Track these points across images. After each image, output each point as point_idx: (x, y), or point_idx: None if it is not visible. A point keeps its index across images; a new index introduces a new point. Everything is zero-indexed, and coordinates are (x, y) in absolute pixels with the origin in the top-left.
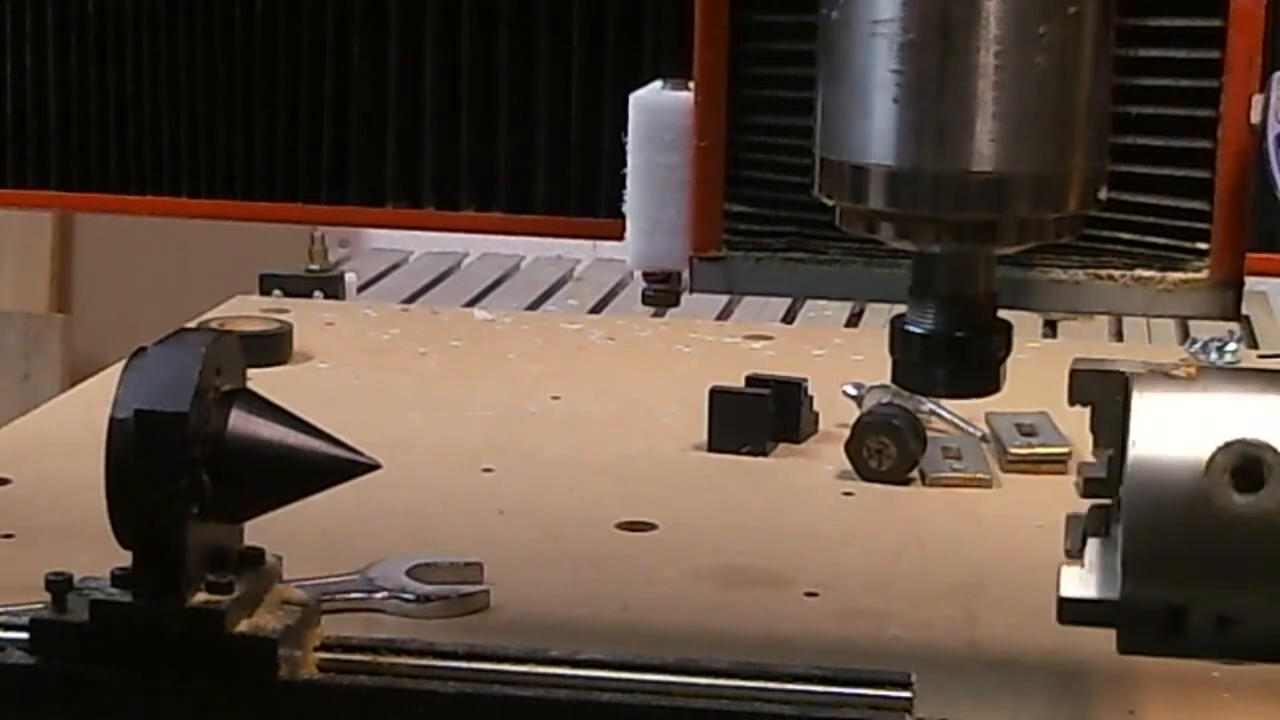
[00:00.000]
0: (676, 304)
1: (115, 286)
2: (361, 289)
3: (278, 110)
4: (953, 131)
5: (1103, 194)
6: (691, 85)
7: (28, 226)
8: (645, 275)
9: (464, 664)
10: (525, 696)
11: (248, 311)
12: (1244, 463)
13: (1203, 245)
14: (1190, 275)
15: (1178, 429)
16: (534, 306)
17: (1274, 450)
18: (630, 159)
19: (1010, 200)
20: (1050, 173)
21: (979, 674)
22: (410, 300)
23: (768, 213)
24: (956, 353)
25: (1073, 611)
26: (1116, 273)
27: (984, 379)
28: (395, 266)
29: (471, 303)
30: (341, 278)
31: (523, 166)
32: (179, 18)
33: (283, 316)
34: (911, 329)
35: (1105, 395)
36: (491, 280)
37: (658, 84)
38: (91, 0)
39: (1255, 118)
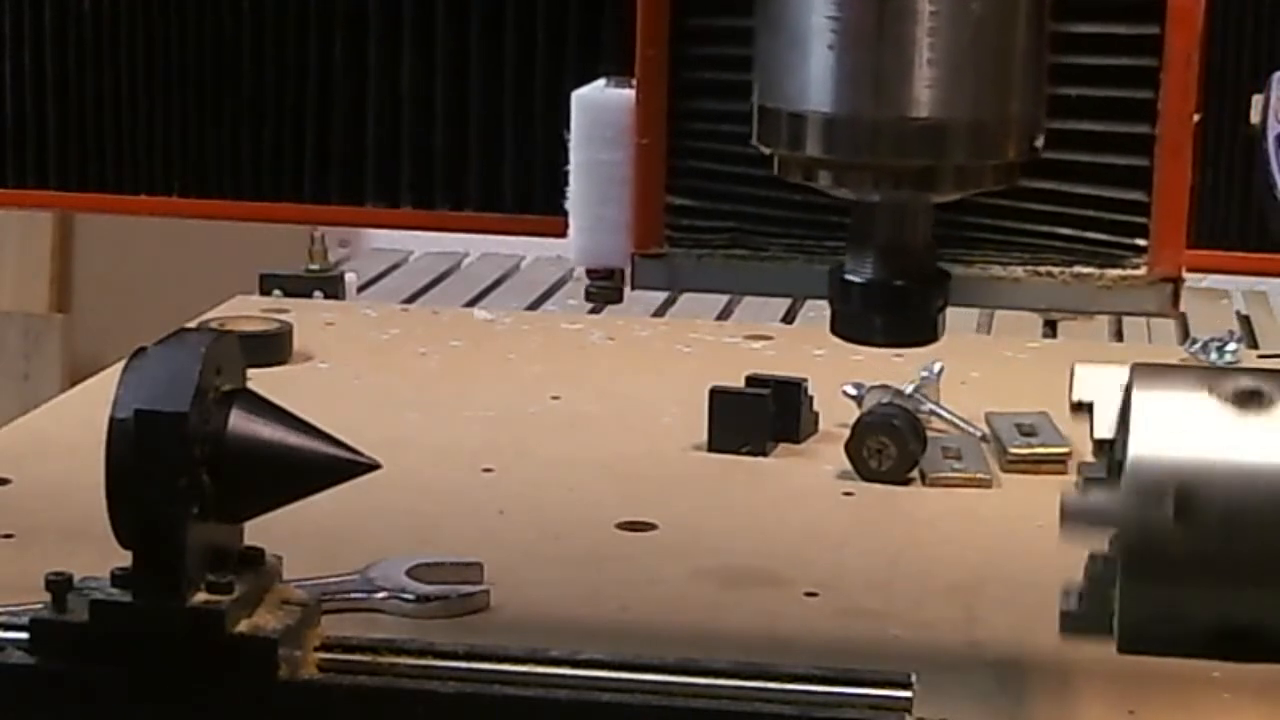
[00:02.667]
0: (619, 301)
1: (115, 286)
2: (361, 289)
3: (278, 110)
4: (889, 78)
5: (1039, 142)
6: (634, 83)
7: (28, 226)
8: (588, 272)
9: (464, 664)
10: (525, 696)
11: (248, 311)
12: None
13: (1141, 241)
14: (1129, 271)
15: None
16: (534, 306)
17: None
18: (572, 156)
19: (948, 147)
20: (987, 120)
21: (979, 674)
22: (410, 300)
23: (709, 208)
24: (895, 301)
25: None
26: (1055, 269)
27: (922, 328)
28: (395, 266)
29: (471, 303)
30: (341, 278)
31: (462, 165)
32: (172, 17)
33: (283, 316)
34: (850, 278)
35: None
36: (491, 280)
37: (601, 82)
38: (89, 0)
39: (1255, 118)
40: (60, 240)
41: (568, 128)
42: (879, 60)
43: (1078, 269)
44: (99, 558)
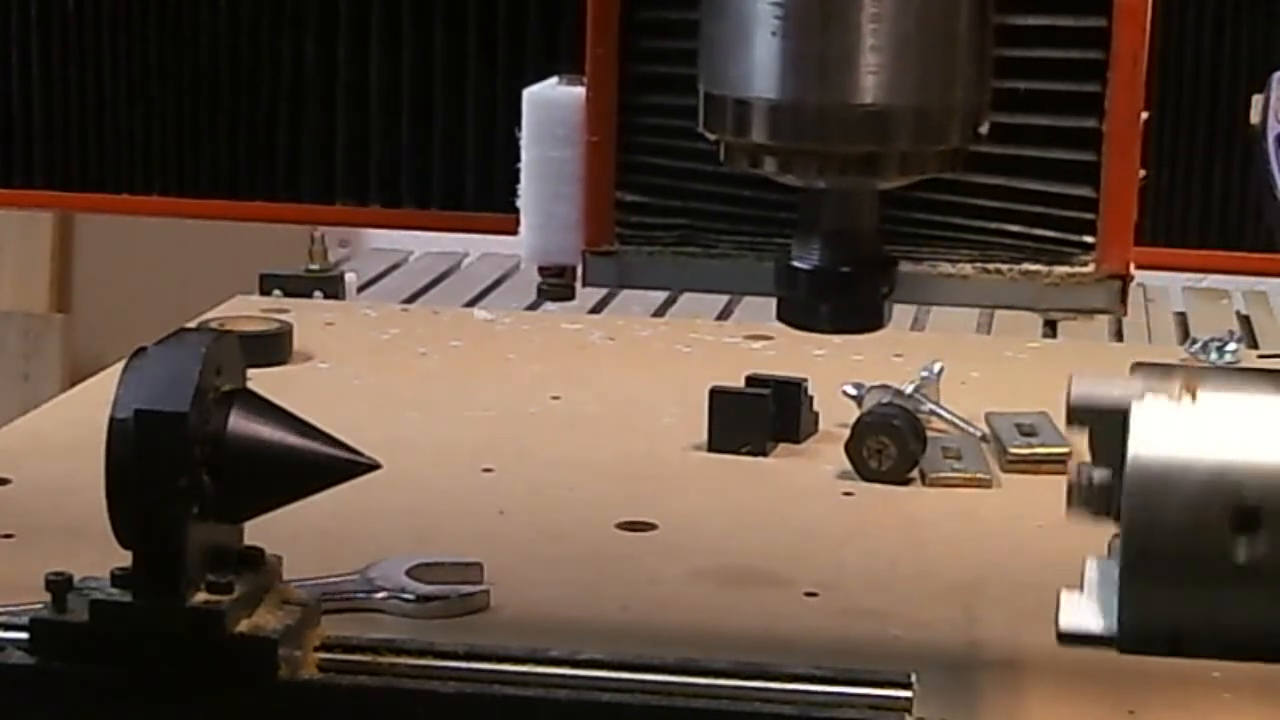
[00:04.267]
0: (571, 298)
1: (115, 286)
2: (361, 289)
3: (278, 109)
4: (833, 64)
5: (984, 129)
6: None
7: (28, 226)
8: (540, 270)
9: (464, 664)
10: (525, 696)
11: (248, 311)
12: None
13: (1089, 239)
14: (1077, 269)
15: (1177, 442)
16: (534, 306)
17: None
18: (524, 154)
19: (892, 133)
20: (931, 106)
21: (979, 674)
22: (410, 300)
23: (660, 205)
24: (841, 288)
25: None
26: (1004, 266)
27: (868, 315)
28: (395, 266)
29: (471, 303)
30: (341, 278)
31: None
32: (168, 17)
33: (283, 316)
34: (797, 265)
35: (1104, 421)
36: (491, 280)
37: (554, 80)
38: (88, 1)
39: (1255, 118)
40: (60, 240)
41: (519, 125)
42: (823, 46)
43: (1026, 266)
44: (99, 558)
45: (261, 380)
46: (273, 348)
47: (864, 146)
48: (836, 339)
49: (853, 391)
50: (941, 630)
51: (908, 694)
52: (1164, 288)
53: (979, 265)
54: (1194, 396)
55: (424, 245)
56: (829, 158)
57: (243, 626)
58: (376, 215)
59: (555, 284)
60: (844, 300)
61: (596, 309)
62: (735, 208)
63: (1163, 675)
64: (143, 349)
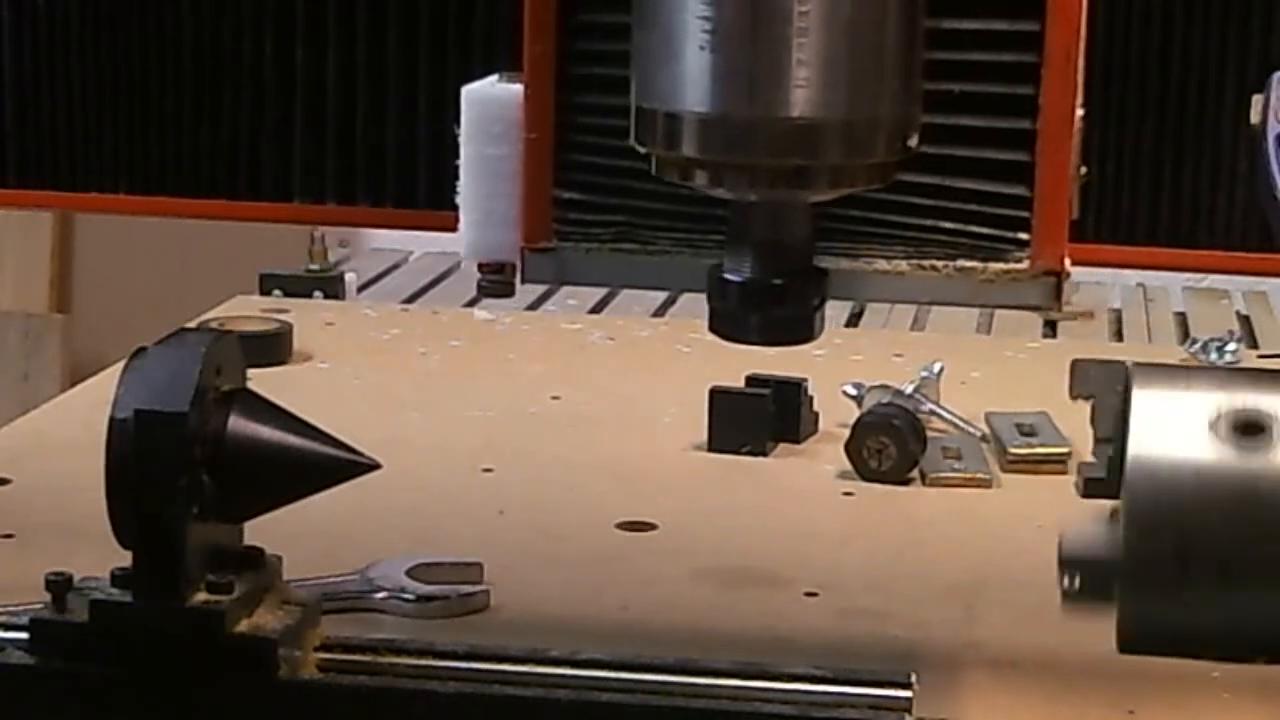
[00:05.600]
0: (510, 294)
1: (115, 286)
2: (361, 289)
3: (275, 109)
4: (762, 78)
5: (913, 142)
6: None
7: (28, 226)
8: (479, 266)
9: (464, 664)
10: (525, 696)
11: (248, 311)
12: (1245, 417)
13: (1024, 235)
14: (1012, 265)
15: (1178, 414)
16: (534, 306)
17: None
18: (462, 151)
19: (821, 146)
20: (860, 119)
21: (979, 674)
22: (410, 300)
23: (597, 202)
24: (772, 299)
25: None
26: (939, 263)
27: (798, 326)
28: (395, 266)
29: (471, 303)
30: (341, 278)
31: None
32: (166, 16)
33: (283, 316)
34: (728, 276)
35: (1106, 386)
36: None
37: (493, 77)
38: (89, 2)
39: (1255, 118)
40: (60, 240)
41: (458, 123)
42: (752, 60)
43: (961, 263)
44: (99, 558)
45: (261, 380)
46: (273, 348)
47: (793, 160)
48: (837, 339)
49: (853, 391)
50: (941, 630)
51: (908, 694)
52: (1164, 288)
53: (914, 262)
54: None
55: (424, 245)
56: (759, 172)
57: (243, 626)
58: (332, 213)
59: (494, 280)
60: (774, 312)
61: (596, 309)
62: (673, 205)
63: (1162, 675)
64: (143, 349)
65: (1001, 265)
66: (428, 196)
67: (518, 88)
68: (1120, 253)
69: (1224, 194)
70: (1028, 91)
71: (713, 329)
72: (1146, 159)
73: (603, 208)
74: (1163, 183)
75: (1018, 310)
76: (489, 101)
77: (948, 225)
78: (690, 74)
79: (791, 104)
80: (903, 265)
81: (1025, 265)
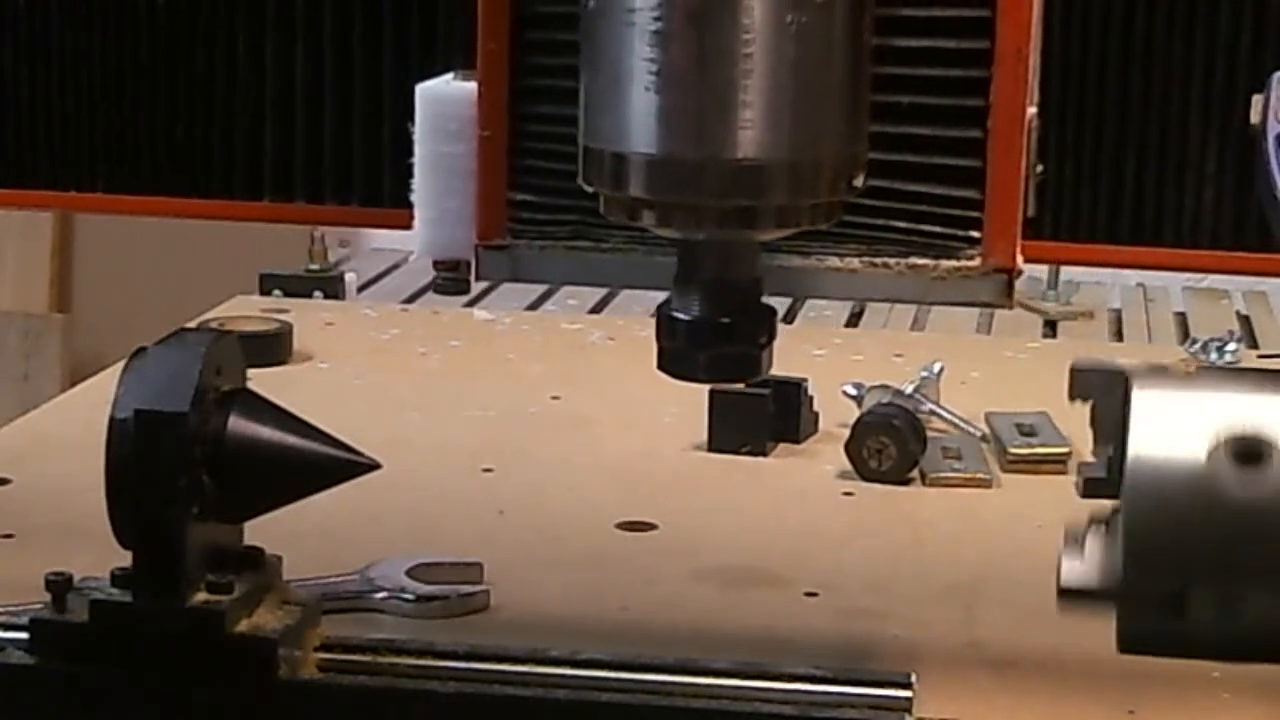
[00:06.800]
0: (466, 292)
1: (115, 286)
2: (361, 289)
3: (272, 109)
4: (707, 119)
5: (859, 181)
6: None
7: (28, 226)
8: (435, 264)
9: (464, 664)
10: (525, 696)
11: (248, 311)
12: (1245, 444)
13: (975, 233)
14: (963, 263)
15: (1177, 424)
16: (534, 306)
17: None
18: (417, 149)
19: (767, 187)
20: (804, 160)
21: (979, 674)
22: (410, 300)
23: (551, 201)
24: (719, 338)
25: (1073, 601)
26: (891, 260)
27: (745, 365)
28: (395, 266)
29: (471, 303)
30: (341, 278)
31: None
32: (162, 15)
33: (283, 316)
34: (676, 315)
35: (1105, 391)
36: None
37: (449, 75)
38: (91, 3)
39: (1255, 118)
40: (60, 240)
41: (413, 121)
42: (697, 102)
43: (913, 260)
44: (99, 558)
45: (261, 380)
46: (273, 348)
47: (739, 200)
48: (837, 339)
49: (853, 391)
50: (941, 630)
51: (908, 694)
52: (1164, 288)
53: (866, 259)
54: None
55: None
56: (705, 212)
57: (243, 626)
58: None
59: (450, 278)
60: (722, 350)
61: (596, 309)
62: None
63: (1162, 675)
64: (143, 349)
65: (953, 262)
66: (391, 195)
67: (472, 85)
68: (1078, 250)
69: (1190, 194)
70: (978, 103)
71: (660, 367)
72: (1106, 157)
73: (557, 206)
74: (1123, 180)
75: (964, 307)
76: (444, 99)
77: (900, 224)
78: (636, 115)
79: (737, 145)
80: (854, 262)
81: (977, 262)
